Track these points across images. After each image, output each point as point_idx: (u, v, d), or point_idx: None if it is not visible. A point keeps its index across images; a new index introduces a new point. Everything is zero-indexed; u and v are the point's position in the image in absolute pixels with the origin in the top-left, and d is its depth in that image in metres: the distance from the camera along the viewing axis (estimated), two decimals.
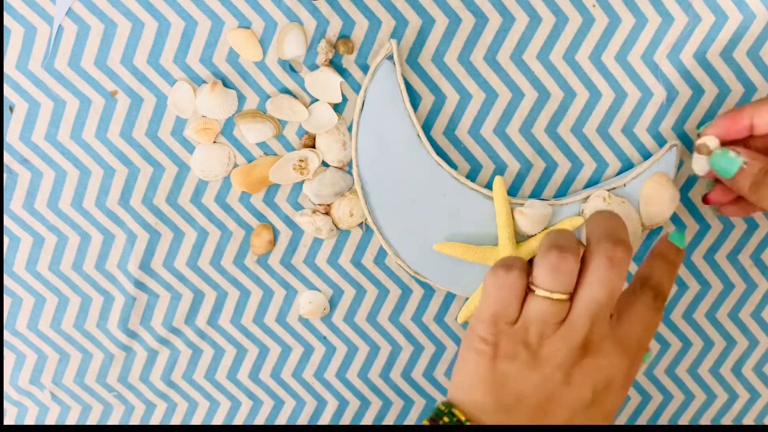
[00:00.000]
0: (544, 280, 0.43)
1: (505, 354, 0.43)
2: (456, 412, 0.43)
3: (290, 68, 0.53)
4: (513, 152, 0.54)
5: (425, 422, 0.43)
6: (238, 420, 0.59)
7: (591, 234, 0.44)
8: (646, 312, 0.44)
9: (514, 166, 0.54)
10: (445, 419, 0.43)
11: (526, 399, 0.43)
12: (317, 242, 0.55)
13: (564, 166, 0.54)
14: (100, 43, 0.52)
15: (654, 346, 0.58)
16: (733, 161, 0.46)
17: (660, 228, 0.55)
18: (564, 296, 0.43)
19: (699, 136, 0.49)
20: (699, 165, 0.49)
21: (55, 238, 0.55)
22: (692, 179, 0.55)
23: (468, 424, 0.42)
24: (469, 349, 0.44)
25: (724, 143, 0.49)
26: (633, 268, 0.56)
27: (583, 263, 0.43)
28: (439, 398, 0.58)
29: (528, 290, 0.44)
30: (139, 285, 0.56)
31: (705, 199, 0.53)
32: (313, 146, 0.54)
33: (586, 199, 0.53)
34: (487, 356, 0.43)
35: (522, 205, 0.53)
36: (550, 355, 0.42)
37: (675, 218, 0.55)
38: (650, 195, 0.52)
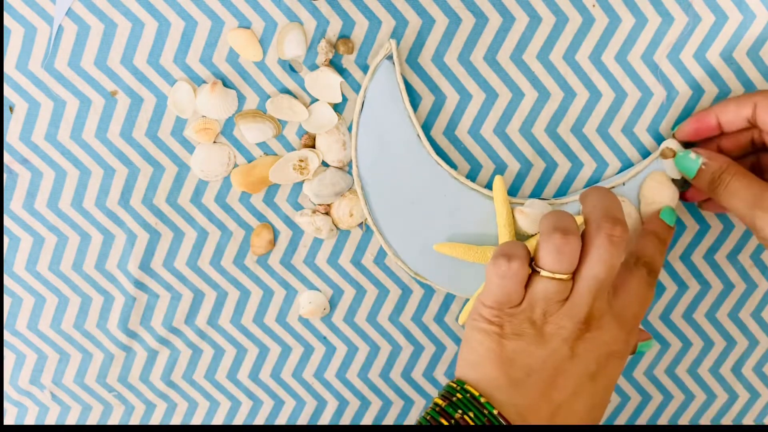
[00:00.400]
0: (548, 262, 0.44)
1: (512, 332, 0.45)
2: (468, 387, 0.45)
3: (290, 68, 0.53)
4: (513, 152, 0.54)
5: (437, 399, 0.45)
6: (238, 420, 0.59)
7: (589, 214, 0.46)
8: (641, 287, 0.47)
9: (514, 166, 0.54)
10: (458, 396, 0.44)
11: (535, 373, 0.44)
12: (317, 242, 0.55)
13: (564, 166, 0.54)
14: (100, 43, 0.52)
15: (654, 347, 0.58)
16: (694, 162, 0.50)
17: None
18: (567, 276, 0.44)
19: (673, 136, 0.52)
20: (670, 168, 0.52)
21: (55, 238, 0.55)
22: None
23: (482, 400, 0.44)
24: (475, 329, 0.46)
25: (699, 142, 0.52)
26: None
27: (584, 243, 0.45)
28: None
29: (531, 272, 0.45)
30: (139, 285, 0.56)
31: (682, 197, 0.54)
32: (313, 146, 0.54)
33: None
34: (494, 335, 0.45)
35: (522, 204, 0.53)
36: (555, 331, 0.44)
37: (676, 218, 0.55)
38: (649, 194, 0.53)
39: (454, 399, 0.44)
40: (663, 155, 0.52)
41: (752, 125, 0.50)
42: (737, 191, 0.48)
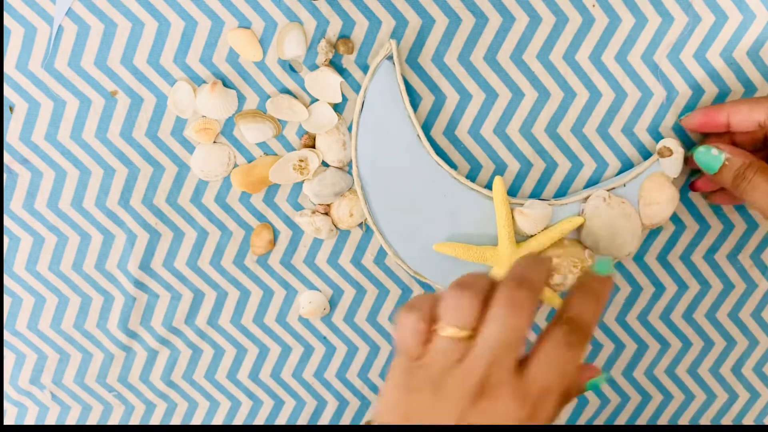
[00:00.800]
0: (443, 316, 0.42)
1: (413, 388, 0.42)
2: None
3: (290, 68, 0.53)
4: (513, 152, 0.54)
5: None
6: (238, 420, 0.59)
7: (504, 275, 0.43)
8: (556, 350, 0.42)
9: (514, 166, 0.54)
10: None
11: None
12: (317, 242, 0.55)
13: (564, 166, 0.54)
14: (100, 43, 0.52)
15: (654, 346, 0.58)
16: (716, 158, 0.49)
17: (660, 228, 0.55)
18: (463, 333, 0.41)
19: (680, 123, 0.53)
20: (669, 168, 0.52)
21: (55, 238, 0.55)
22: (692, 178, 0.55)
23: None
24: (389, 377, 0.44)
25: (704, 136, 0.52)
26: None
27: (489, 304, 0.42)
28: None
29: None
30: (139, 285, 0.56)
31: (692, 186, 0.54)
32: (313, 146, 0.54)
33: (586, 199, 0.53)
34: (400, 387, 0.43)
35: (522, 205, 0.53)
36: (451, 391, 0.41)
37: (675, 218, 0.55)
38: (649, 195, 0.52)
39: None
40: (660, 155, 0.52)
41: (762, 128, 0.50)
42: (760, 185, 0.48)
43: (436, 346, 0.42)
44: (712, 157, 0.49)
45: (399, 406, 0.42)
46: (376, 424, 0.43)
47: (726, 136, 0.52)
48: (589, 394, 0.58)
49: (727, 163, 0.49)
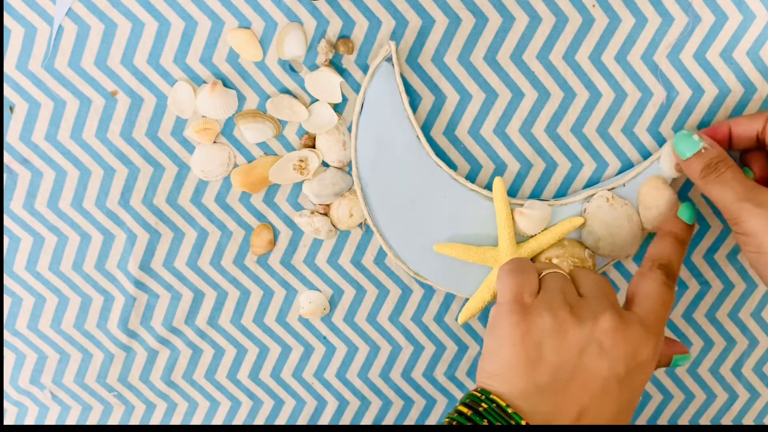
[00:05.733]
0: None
1: (537, 326, 0.44)
2: (494, 398, 0.43)
3: (290, 68, 0.53)
4: (513, 152, 0.54)
5: (460, 407, 0.44)
6: (238, 420, 0.59)
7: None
8: (660, 290, 0.47)
9: (514, 166, 0.54)
10: (484, 405, 0.43)
11: (560, 373, 0.43)
12: (317, 242, 0.55)
13: (564, 166, 0.54)
14: (100, 43, 0.52)
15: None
16: (695, 144, 0.49)
17: None
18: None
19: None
20: (667, 170, 0.52)
21: (55, 238, 0.55)
22: None
23: (510, 410, 0.42)
24: (495, 331, 0.45)
25: None
26: (631, 268, 0.56)
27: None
28: (439, 398, 0.58)
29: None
30: (139, 285, 0.56)
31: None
32: (313, 146, 0.54)
33: (586, 199, 0.53)
34: (517, 331, 0.44)
35: (522, 205, 0.53)
36: (581, 320, 0.44)
37: None
38: (648, 199, 0.52)
39: (480, 409, 0.43)
40: (677, 170, 0.52)
41: (760, 140, 0.50)
42: (729, 181, 0.47)
43: (550, 281, 0.46)
44: (691, 141, 0.49)
45: (519, 357, 0.44)
46: (487, 389, 0.44)
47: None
48: None
49: (703, 151, 0.49)
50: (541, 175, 0.55)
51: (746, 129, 0.50)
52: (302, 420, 0.59)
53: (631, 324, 0.44)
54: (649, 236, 0.55)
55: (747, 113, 0.53)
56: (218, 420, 0.59)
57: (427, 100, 0.53)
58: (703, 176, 0.49)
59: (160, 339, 0.57)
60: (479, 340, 0.57)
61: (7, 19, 0.52)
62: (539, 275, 0.47)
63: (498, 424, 0.42)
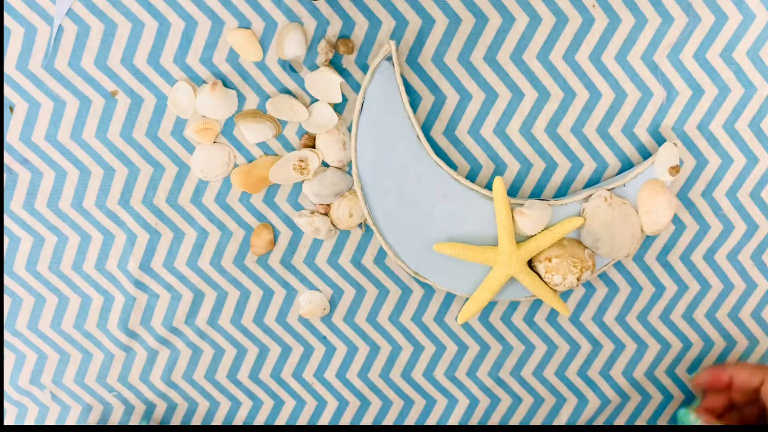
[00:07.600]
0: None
1: None
2: None
3: (290, 68, 0.53)
4: (513, 152, 0.54)
5: None
6: (239, 420, 0.59)
7: None
8: None
9: (514, 166, 0.54)
10: None
11: None
12: (317, 242, 0.55)
13: (564, 166, 0.54)
14: (100, 43, 0.52)
15: (654, 346, 0.58)
16: (694, 422, 0.52)
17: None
18: None
19: (692, 380, 0.55)
20: (663, 171, 0.53)
21: (55, 238, 0.55)
22: (692, 178, 0.55)
23: None
24: None
25: (711, 389, 0.55)
26: (635, 271, 0.56)
27: None
28: (439, 398, 0.58)
29: None
30: (139, 285, 0.56)
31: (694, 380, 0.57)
32: (313, 146, 0.54)
33: (586, 199, 0.53)
34: None
35: (522, 205, 0.53)
36: None
37: (675, 218, 0.55)
38: (647, 203, 0.52)
39: None
40: (670, 173, 0.53)
41: (756, 393, 0.53)
42: None
43: None
44: (689, 422, 0.52)
45: None
46: None
47: (724, 394, 0.54)
48: (590, 395, 0.58)
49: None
50: (541, 175, 0.55)
51: (746, 383, 0.53)
52: (302, 420, 0.59)
53: None
54: (648, 237, 0.55)
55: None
56: (218, 420, 0.59)
57: (427, 100, 0.53)
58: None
59: (160, 339, 0.57)
60: (479, 340, 0.57)
61: (7, 19, 0.52)
62: None
63: None
